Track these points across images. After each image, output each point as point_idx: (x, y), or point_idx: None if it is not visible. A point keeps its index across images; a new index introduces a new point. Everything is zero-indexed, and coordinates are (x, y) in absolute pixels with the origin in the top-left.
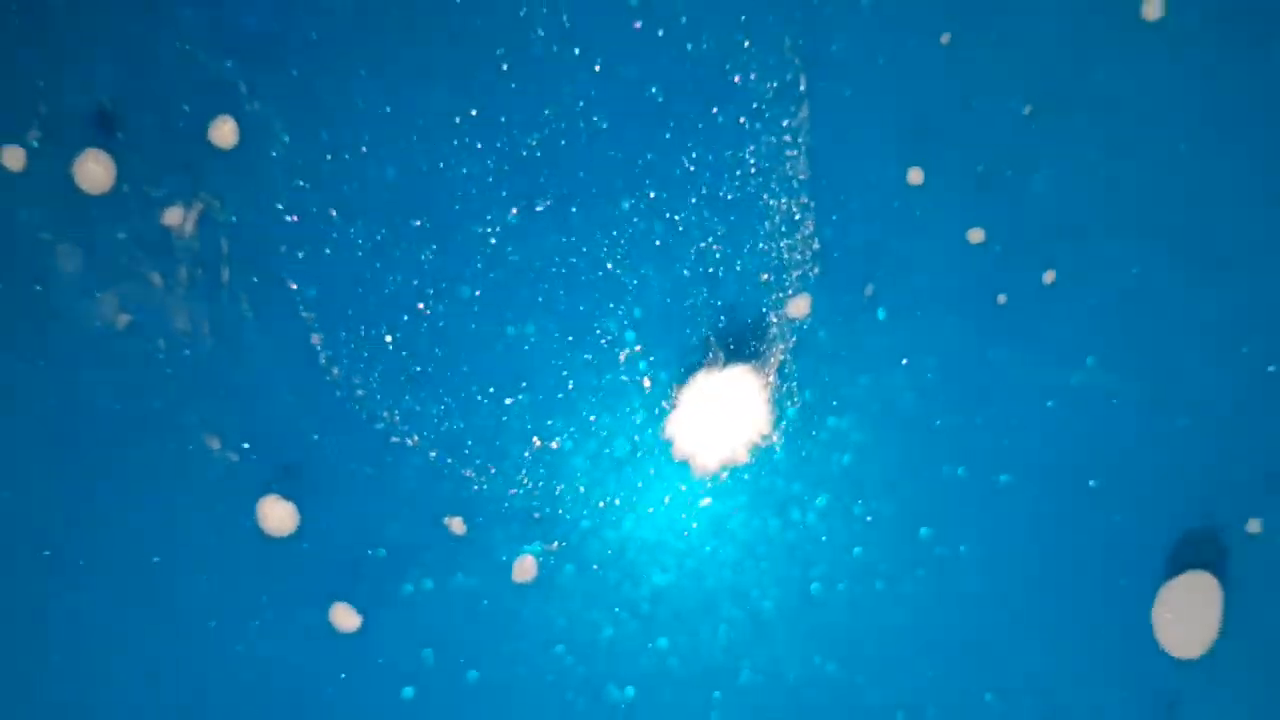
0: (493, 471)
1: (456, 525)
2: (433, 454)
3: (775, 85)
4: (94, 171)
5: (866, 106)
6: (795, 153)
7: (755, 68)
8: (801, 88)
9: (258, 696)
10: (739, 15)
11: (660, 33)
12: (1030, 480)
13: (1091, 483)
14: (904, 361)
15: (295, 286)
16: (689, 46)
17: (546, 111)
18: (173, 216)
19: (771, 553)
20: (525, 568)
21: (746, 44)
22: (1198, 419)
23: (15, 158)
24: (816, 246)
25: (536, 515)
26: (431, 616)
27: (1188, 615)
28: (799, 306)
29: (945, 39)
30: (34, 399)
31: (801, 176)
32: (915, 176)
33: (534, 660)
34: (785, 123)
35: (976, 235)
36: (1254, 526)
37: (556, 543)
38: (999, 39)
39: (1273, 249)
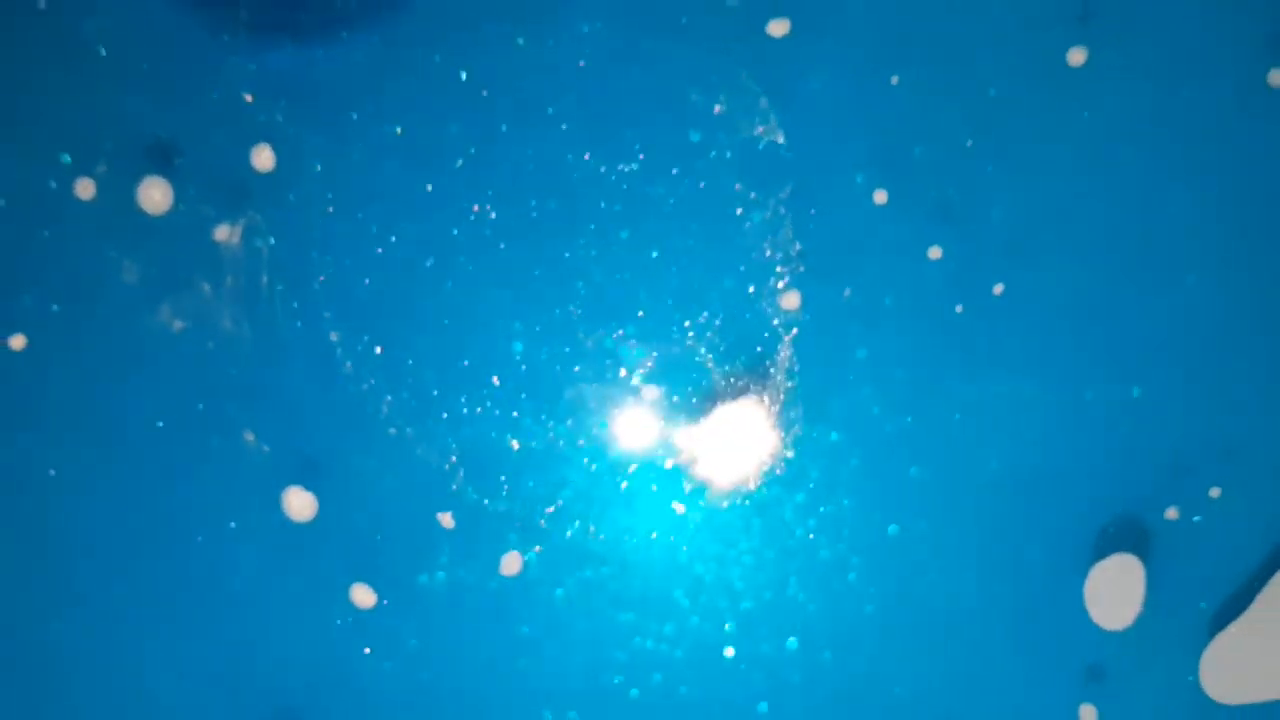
0: (479, 474)
1: (446, 520)
2: (419, 450)
3: (758, 126)
4: (154, 196)
5: (837, 140)
6: (781, 184)
7: (737, 111)
8: (775, 129)
9: (282, 660)
10: (722, 72)
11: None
12: (980, 476)
13: (1036, 478)
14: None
15: (321, 283)
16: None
17: (549, 147)
18: (221, 233)
19: (751, 547)
20: (510, 563)
21: (721, 102)
22: (1124, 422)
23: (86, 189)
24: (799, 248)
25: (540, 518)
26: (434, 600)
27: (1115, 593)
28: (790, 300)
29: (894, 80)
30: (98, 395)
31: (783, 196)
32: (880, 197)
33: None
34: (767, 157)
35: (935, 253)
36: (1171, 514)
37: (538, 546)
38: (943, 84)
39: (1185, 265)
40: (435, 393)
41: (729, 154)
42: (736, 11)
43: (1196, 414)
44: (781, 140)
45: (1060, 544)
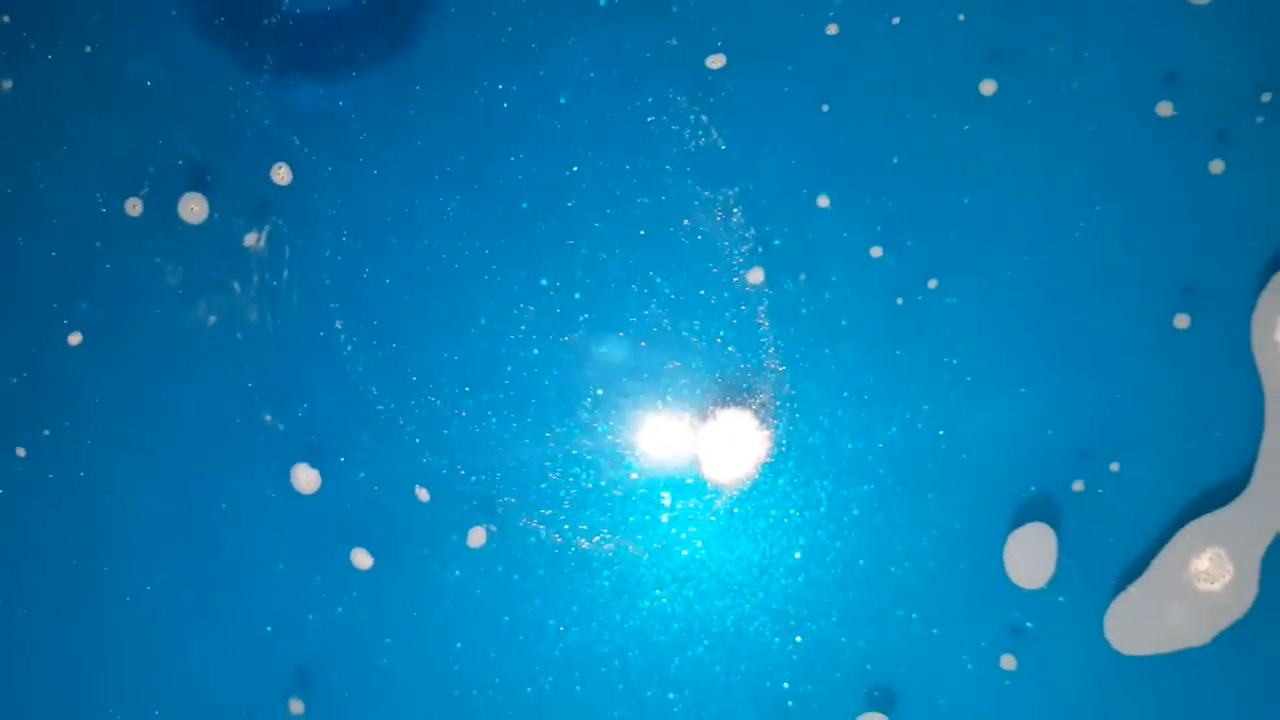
0: (454, 453)
1: (422, 494)
2: (402, 422)
3: (701, 139)
4: (193, 209)
5: (779, 154)
6: (732, 192)
7: (686, 133)
8: (719, 142)
9: (293, 607)
10: (669, 100)
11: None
12: (915, 454)
13: (963, 455)
14: (825, 352)
15: (328, 283)
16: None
17: (543, 170)
18: (250, 239)
19: (716, 527)
20: (477, 537)
21: (680, 127)
22: (1037, 407)
23: (135, 206)
24: (758, 249)
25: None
26: (420, 563)
27: (1031, 557)
28: (755, 275)
29: (825, 108)
30: (142, 382)
31: (736, 211)
32: (823, 202)
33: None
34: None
35: (877, 251)
36: (1078, 486)
37: (494, 526)
38: (870, 110)
39: (1084, 270)
40: (416, 378)
41: (687, 167)
42: (679, 49)
43: (1097, 401)
44: (724, 148)
45: (982, 515)
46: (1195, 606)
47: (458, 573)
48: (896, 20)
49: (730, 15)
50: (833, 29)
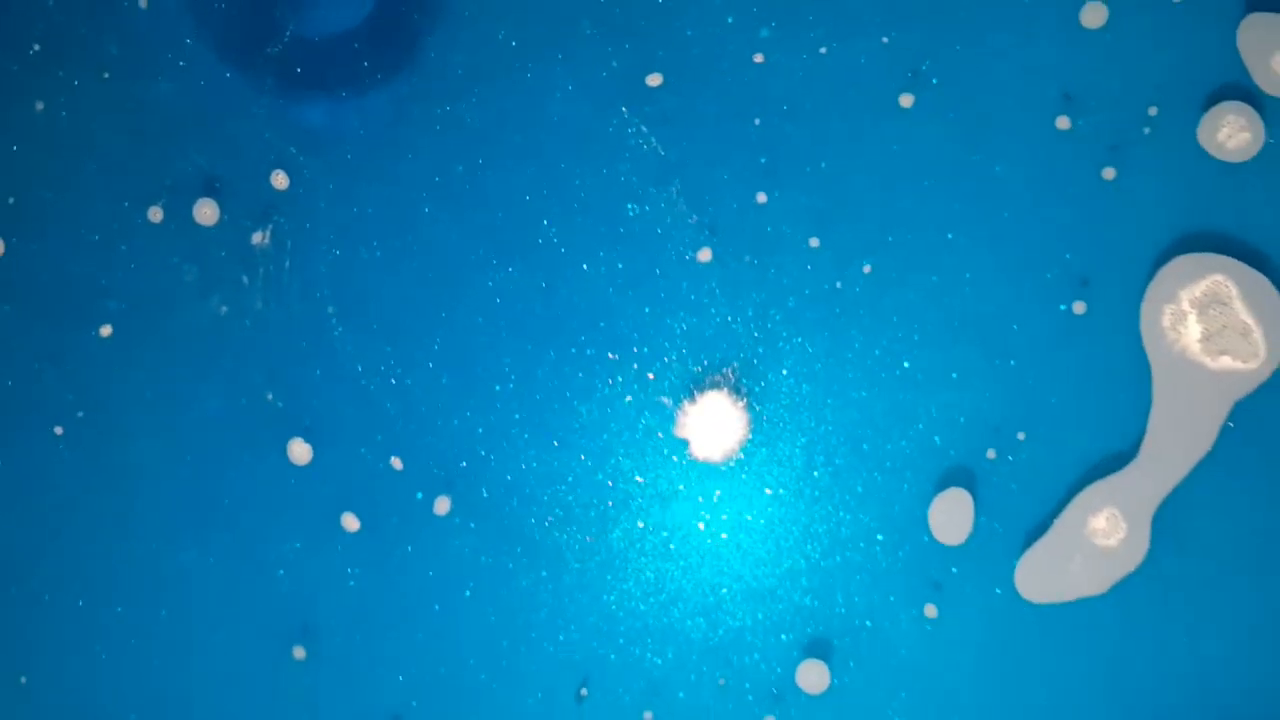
0: (425, 429)
1: (396, 463)
2: (382, 400)
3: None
4: (207, 213)
5: (718, 157)
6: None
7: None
8: (658, 149)
9: (290, 564)
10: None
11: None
12: (850, 427)
13: (892, 429)
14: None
15: (324, 272)
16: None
17: (529, 185)
18: (257, 237)
19: (672, 492)
20: (442, 505)
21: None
22: (956, 382)
23: (156, 214)
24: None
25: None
26: (405, 527)
27: (951, 518)
28: (704, 253)
29: (756, 121)
30: (163, 365)
31: (694, 218)
32: (761, 198)
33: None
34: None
35: (814, 241)
36: (990, 454)
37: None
38: (797, 121)
39: (991, 263)
40: (395, 361)
41: (634, 174)
42: (620, 69)
43: (1006, 379)
44: (664, 154)
45: (909, 482)
46: (1094, 560)
47: (428, 531)
48: (824, 50)
49: (671, 44)
50: (759, 58)
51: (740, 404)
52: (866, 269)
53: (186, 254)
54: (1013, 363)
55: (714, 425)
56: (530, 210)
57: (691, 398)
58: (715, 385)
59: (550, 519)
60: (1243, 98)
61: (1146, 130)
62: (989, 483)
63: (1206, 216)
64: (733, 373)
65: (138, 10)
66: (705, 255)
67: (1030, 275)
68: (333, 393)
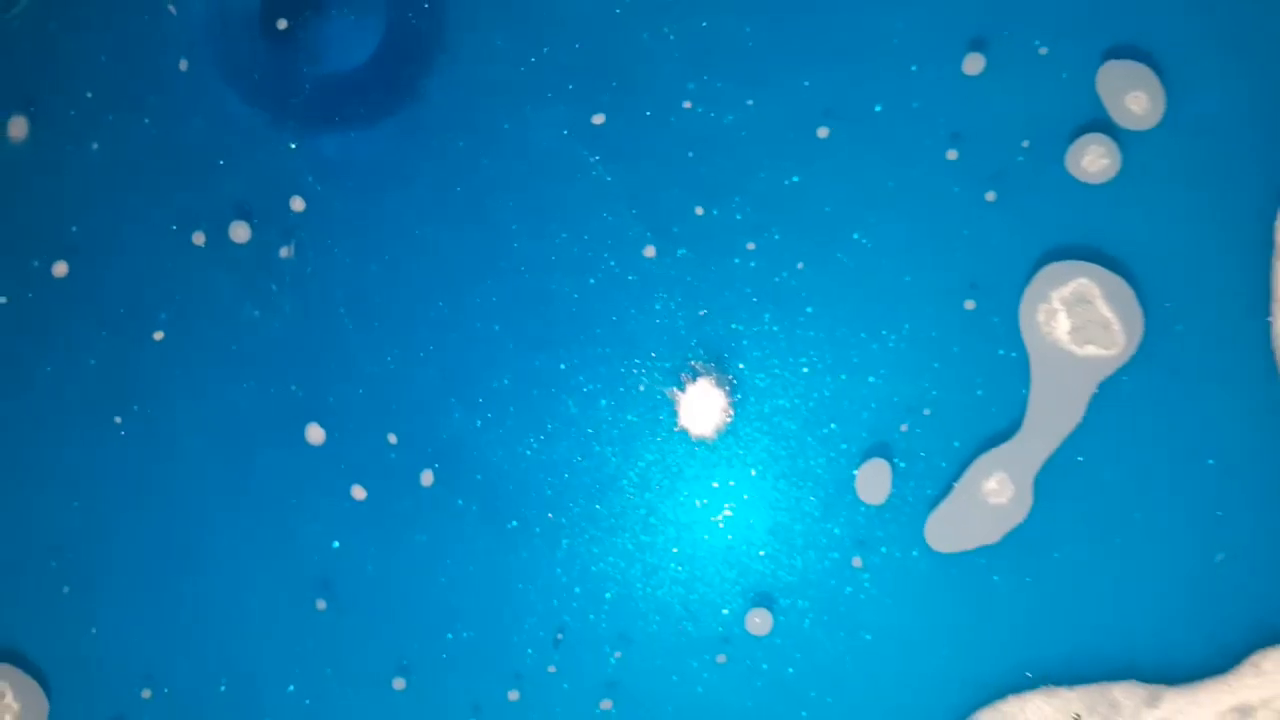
0: (423, 413)
1: (392, 438)
2: (383, 388)
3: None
4: (240, 233)
5: (658, 181)
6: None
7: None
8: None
9: (308, 530)
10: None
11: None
12: (792, 414)
13: (819, 412)
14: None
15: (340, 280)
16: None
17: (517, 200)
18: (283, 252)
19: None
20: (427, 479)
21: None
22: (872, 368)
23: (199, 238)
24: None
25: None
26: (404, 496)
27: (874, 484)
28: (649, 250)
29: (690, 154)
30: (205, 363)
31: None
32: (699, 210)
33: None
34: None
35: (750, 245)
36: (904, 428)
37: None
38: (724, 154)
39: (890, 264)
40: (394, 357)
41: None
42: (573, 112)
43: (914, 364)
44: (610, 179)
45: (839, 453)
46: (988, 515)
47: (424, 502)
48: (751, 102)
49: (612, 85)
50: (688, 104)
51: (703, 391)
52: (800, 265)
53: (224, 268)
54: (918, 351)
55: (685, 410)
56: (514, 224)
57: (661, 386)
58: (676, 375)
59: (542, 495)
60: (1102, 130)
61: (1021, 159)
62: (903, 452)
63: (1073, 230)
64: (697, 364)
65: (176, 70)
66: (650, 251)
67: (930, 279)
68: (344, 383)
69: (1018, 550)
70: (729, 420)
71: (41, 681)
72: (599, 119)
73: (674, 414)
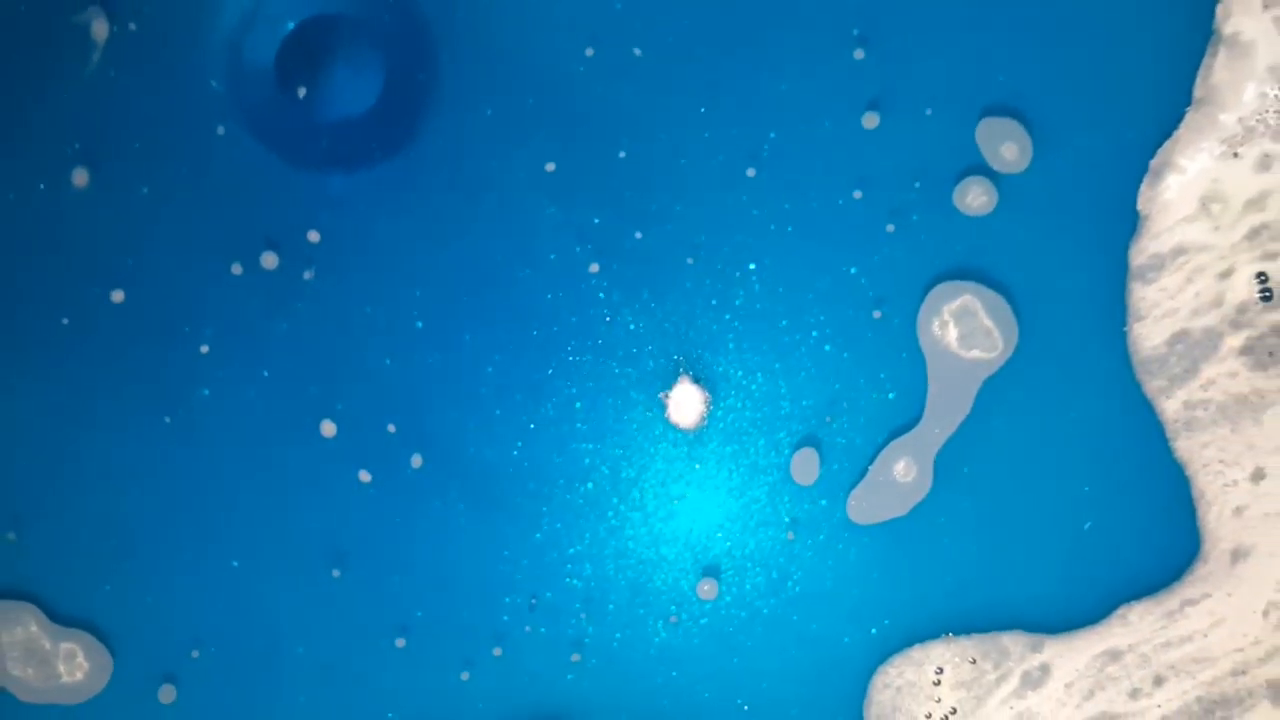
0: (422, 411)
1: (390, 428)
2: (385, 391)
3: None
4: (269, 260)
5: (603, 214)
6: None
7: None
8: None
9: (322, 507)
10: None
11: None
12: (737, 408)
13: (748, 414)
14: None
15: (351, 298)
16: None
17: (509, 225)
18: (307, 273)
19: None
20: (416, 461)
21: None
22: (792, 372)
23: (237, 269)
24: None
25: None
26: (402, 477)
27: (805, 470)
28: (594, 267)
29: (622, 155)
30: (245, 370)
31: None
32: (639, 235)
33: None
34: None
35: (688, 259)
36: (829, 419)
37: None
38: (660, 178)
39: (825, 282)
40: (396, 364)
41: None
42: (538, 147)
43: (830, 368)
44: (553, 210)
45: (773, 442)
46: (897, 491)
47: (421, 485)
48: (692, 145)
49: (560, 139)
50: (622, 154)
51: (668, 395)
52: (740, 283)
53: (258, 291)
54: (841, 355)
55: (650, 413)
56: (497, 248)
57: (631, 390)
58: (644, 381)
59: (525, 485)
60: (981, 173)
61: (915, 197)
62: (828, 441)
63: (959, 256)
64: (663, 372)
65: (214, 130)
66: (594, 268)
67: (845, 295)
68: (352, 384)
69: (922, 521)
70: (688, 419)
71: (107, 644)
72: (551, 167)
73: (642, 415)
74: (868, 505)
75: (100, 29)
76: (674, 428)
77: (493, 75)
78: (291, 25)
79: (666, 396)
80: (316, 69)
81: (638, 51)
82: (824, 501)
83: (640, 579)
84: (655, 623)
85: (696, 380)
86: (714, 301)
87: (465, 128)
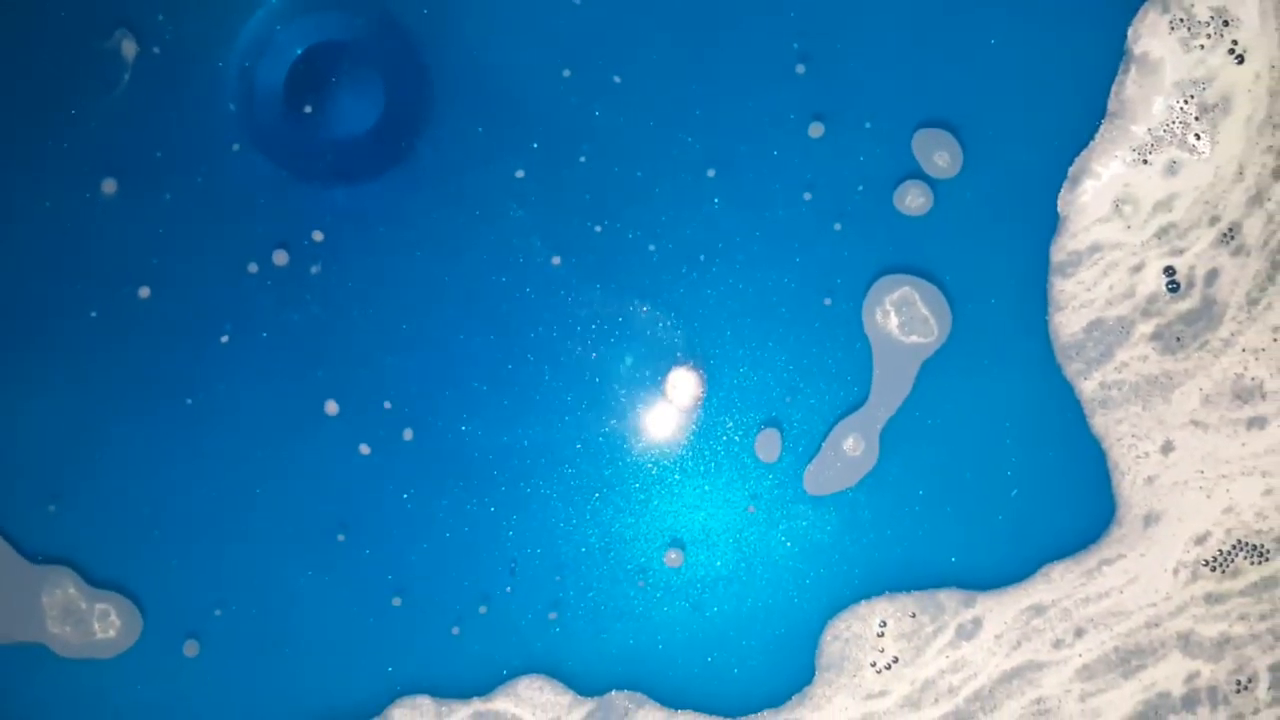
0: (418, 395)
1: (386, 405)
2: (388, 375)
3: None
4: (280, 257)
5: (567, 213)
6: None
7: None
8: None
9: (328, 472)
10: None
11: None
12: (705, 389)
13: (712, 400)
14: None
15: (353, 291)
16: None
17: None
18: (314, 268)
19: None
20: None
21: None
22: (750, 359)
23: (254, 267)
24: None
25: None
26: (399, 451)
27: (767, 449)
28: (555, 259)
29: (583, 160)
30: (256, 357)
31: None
32: (598, 228)
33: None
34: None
35: (650, 247)
36: (788, 400)
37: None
38: (623, 170)
39: (779, 276)
40: (393, 349)
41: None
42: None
43: (787, 355)
44: (521, 212)
45: (739, 422)
46: (848, 466)
47: (418, 460)
48: (640, 173)
49: (539, 151)
50: (582, 158)
51: (643, 381)
52: (702, 257)
53: (271, 287)
54: (796, 342)
55: (627, 399)
56: (484, 254)
57: (609, 378)
58: (624, 370)
59: (508, 464)
60: (918, 178)
61: (859, 199)
62: (787, 420)
63: (899, 252)
64: (641, 360)
65: (230, 146)
66: (556, 260)
67: (799, 287)
68: (354, 368)
69: (869, 491)
70: (661, 405)
71: (137, 604)
72: (520, 173)
73: (619, 401)
74: (822, 478)
75: (129, 49)
76: (644, 410)
77: (482, 98)
78: (300, 51)
79: (623, 386)
80: (322, 91)
81: (617, 79)
82: (783, 476)
83: (612, 548)
84: (625, 587)
85: (661, 370)
86: (681, 290)
87: (458, 145)
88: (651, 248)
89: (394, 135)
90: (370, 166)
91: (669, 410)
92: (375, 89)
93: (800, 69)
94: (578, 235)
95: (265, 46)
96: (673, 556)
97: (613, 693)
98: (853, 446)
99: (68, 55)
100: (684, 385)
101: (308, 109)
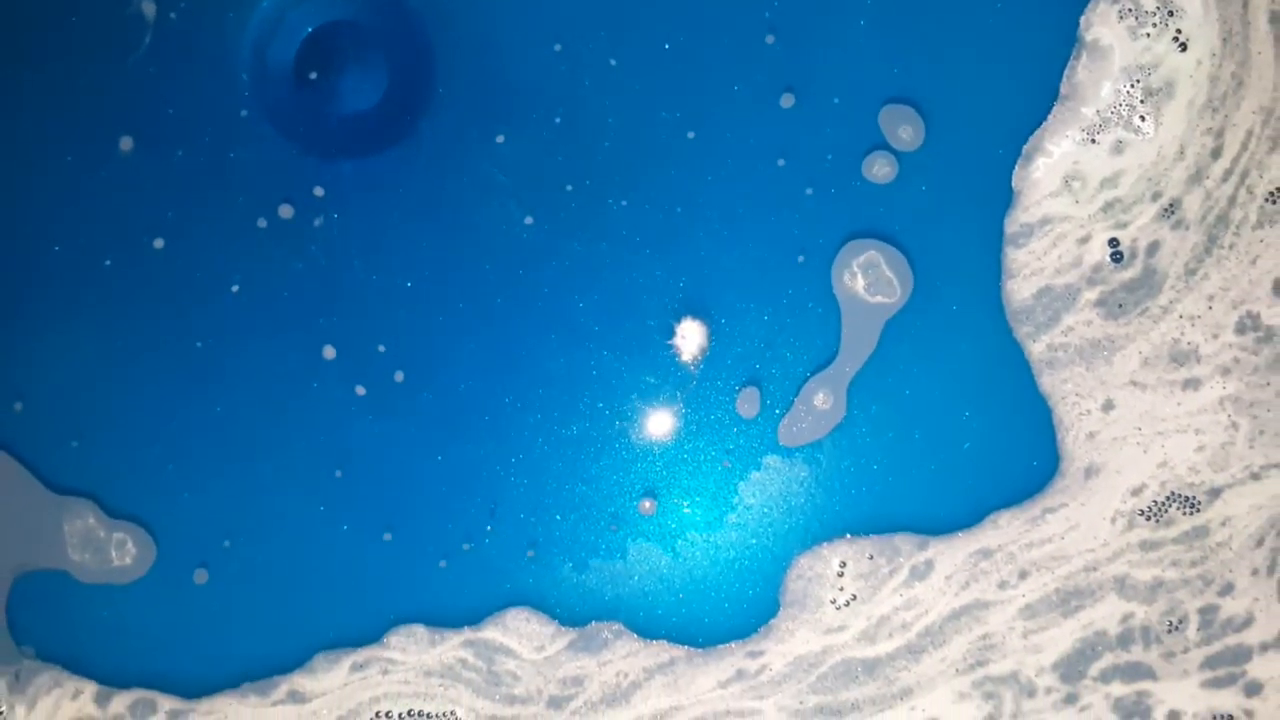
0: (414, 341)
1: (380, 348)
2: (383, 320)
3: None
4: (286, 211)
5: (544, 180)
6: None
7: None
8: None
9: (326, 422)
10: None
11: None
12: (686, 355)
13: (688, 370)
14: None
15: (354, 245)
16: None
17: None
18: (316, 221)
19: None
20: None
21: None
22: (746, 311)
23: (262, 222)
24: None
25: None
26: (389, 392)
27: (748, 406)
28: (528, 219)
29: (558, 122)
30: (263, 307)
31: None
32: (571, 188)
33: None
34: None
35: (633, 206)
36: (757, 366)
37: (400, 373)
38: (593, 138)
39: (756, 243)
40: (390, 296)
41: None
42: (533, 133)
43: (768, 318)
44: (504, 178)
45: (724, 381)
46: (818, 419)
47: (411, 400)
48: (622, 141)
49: (532, 123)
50: (557, 119)
51: (626, 342)
52: (677, 210)
53: (279, 238)
54: (768, 303)
55: (611, 358)
56: (481, 224)
57: (594, 337)
58: (607, 332)
59: (487, 406)
60: (884, 149)
61: (829, 168)
62: (766, 377)
63: (866, 219)
64: (624, 325)
65: (239, 113)
66: (529, 219)
67: (771, 251)
68: (350, 315)
69: (837, 443)
70: (644, 363)
71: (152, 534)
72: (500, 138)
73: (601, 360)
74: (794, 430)
75: (149, 8)
76: (623, 362)
77: (482, 77)
78: (309, 29)
79: (606, 347)
80: (329, 68)
81: (612, 62)
82: (758, 430)
83: (587, 494)
84: (599, 529)
85: (642, 332)
86: (666, 251)
87: (458, 121)
88: (634, 207)
89: (398, 110)
90: (373, 141)
91: (661, 374)
92: (380, 69)
93: (770, 39)
94: (556, 198)
95: (278, 24)
96: (647, 505)
97: (593, 623)
98: (823, 401)
99: (90, 23)
100: (671, 351)
101: (313, 75)
